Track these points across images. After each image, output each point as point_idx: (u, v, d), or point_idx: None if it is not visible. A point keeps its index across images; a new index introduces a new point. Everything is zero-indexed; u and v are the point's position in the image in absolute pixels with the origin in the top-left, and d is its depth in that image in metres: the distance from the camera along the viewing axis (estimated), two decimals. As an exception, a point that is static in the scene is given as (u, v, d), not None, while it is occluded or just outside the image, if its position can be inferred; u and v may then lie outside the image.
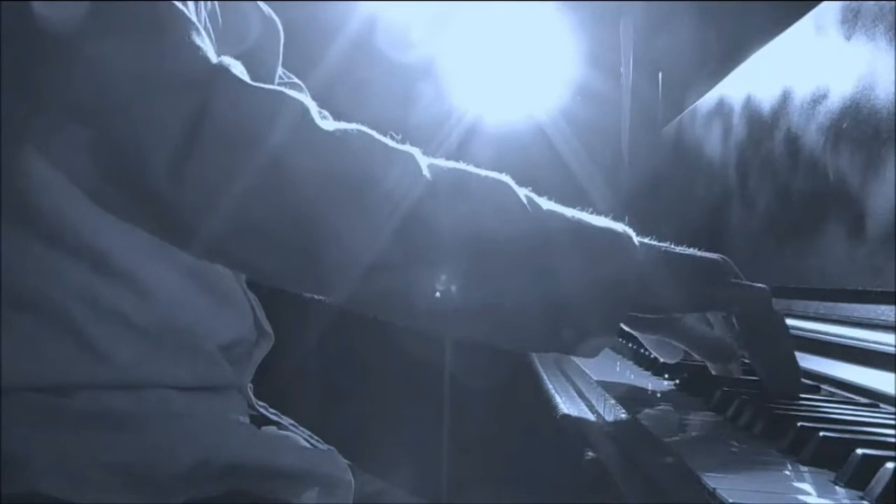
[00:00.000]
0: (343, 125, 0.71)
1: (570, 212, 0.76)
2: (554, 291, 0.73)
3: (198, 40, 0.70)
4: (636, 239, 0.77)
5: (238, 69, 0.70)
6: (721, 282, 0.79)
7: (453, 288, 0.71)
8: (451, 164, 0.75)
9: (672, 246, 0.79)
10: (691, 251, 0.80)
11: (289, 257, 0.70)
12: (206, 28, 0.82)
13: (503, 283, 0.73)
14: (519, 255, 0.73)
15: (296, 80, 1.08)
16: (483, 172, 0.75)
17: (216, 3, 0.85)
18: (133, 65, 0.67)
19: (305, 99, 0.71)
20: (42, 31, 0.68)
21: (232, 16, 0.88)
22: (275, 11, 0.99)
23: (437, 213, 0.71)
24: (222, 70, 0.69)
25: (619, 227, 0.77)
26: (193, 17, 0.72)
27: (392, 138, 0.73)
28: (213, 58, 0.70)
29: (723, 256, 0.81)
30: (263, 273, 0.75)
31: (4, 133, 0.73)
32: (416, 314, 0.74)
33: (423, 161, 0.73)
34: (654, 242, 0.79)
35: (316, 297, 0.75)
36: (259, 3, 0.96)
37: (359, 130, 0.72)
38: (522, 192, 0.75)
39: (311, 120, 0.70)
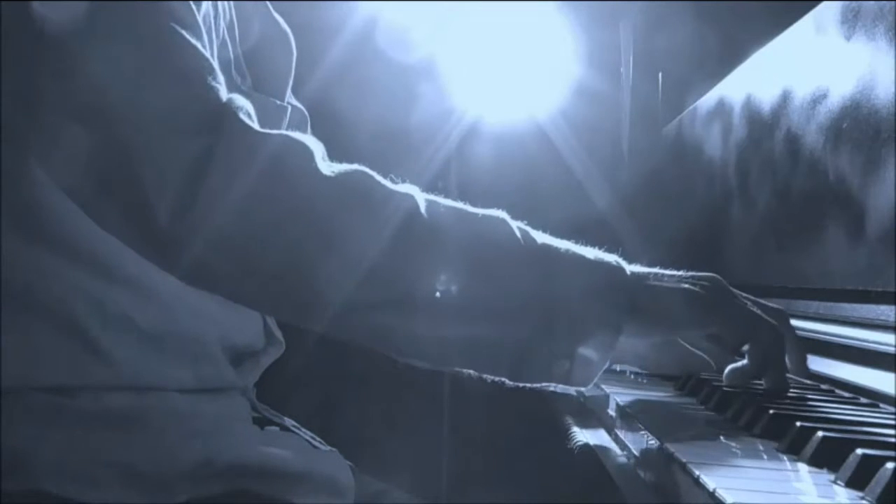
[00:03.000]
0: (344, 167, 0.73)
1: (563, 244, 0.77)
2: (547, 317, 0.74)
3: (210, 78, 0.71)
4: (628, 269, 0.78)
5: (245, 112, 0.71)
6: (711, 304, 0.79)
7: (447, 324, 0.73)
8: (450, 202, 0.76)
9: (662, 272, 0.80)
10: (680, 274, 0.80)
11: (284, 292, 0.72)
12: (220, 34, 0.82)
13: (497, 316, 0.73)
14: (512, 287, 0.74)
15: (298, 105, 1.08)
16: (480, 211, 0.76)
17: (231, 4, 0.85)
18: (141, 93, 0.68)
19: (310, 141, 0.72)
20: (42, 32, 0.68)
21: (236, 16, 0.89)
22: (277, 12, 0.99)
23: (433, 252, 0.72)
24: (230, 114, 0.70)
25: (612, 257, 0.78)
26: (206, 52, 0.72)
27: (392, 181, 0.75)
28: (224, 96, 0.71)
29: (714, 276, 0.81)
30: (254, 304, 0.77)
31: (12, 141, 0.74)
32: (411, 351, 0.76)
33: (422, 200, 0.74)
34: (647, 269, 0.80)
35: (306, 328, 0.76)
36: (272, 11, 0.96)
37: (359, 172, 0.73)
38: (517, 226, 0.76)
39: (314, 166, 0.71)
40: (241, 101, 0.71)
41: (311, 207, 0.70)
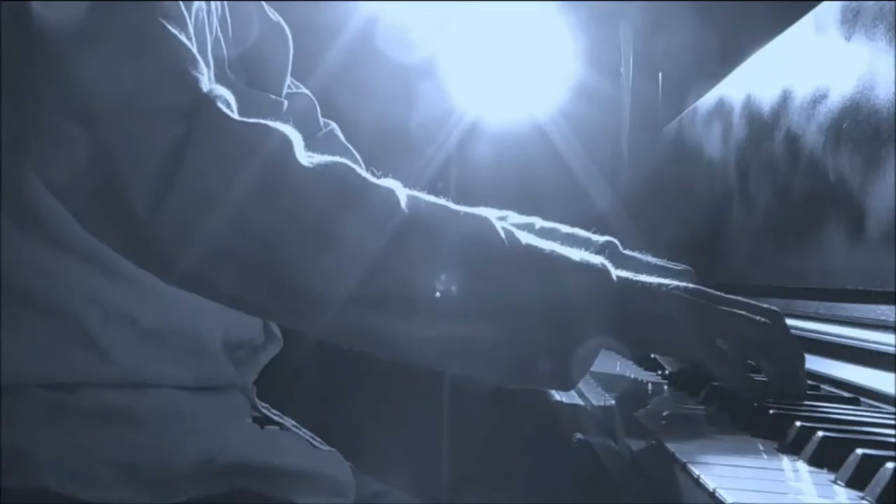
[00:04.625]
0: (325, 159, 0.71)
1: (548, 244, 0.75)
2: (532, 320, 0.72)
3: (191, 67, 0.70)
4: (614, 273, 0.75)
5: (224, 101, 0.69)
6: (703, 317, 0.75)
7: (434, 324, 0.71)
8: (432, 198, 0.74)
9: (648, 279, 0.77)
10: (666, 283, 0.77)
11: (265, 288, 0.70)
12: (213, 31, 0.82)
13: (482, 317, 0.71)
14: (498, 288, 0.72)
15: (304, 90, 1.08)
16: (463, 209, 0.74)
17: (224, 3, 0.85)
18: (123, 83, 0.68)
19: (289, 131, 0.71)
20: (40, 32, 0.68)
21: (233, 16, 0.89)
22: (276, 11, 0.99)
23: (412, 247, 0.70)
24: (208, 102, 0.68)
25: (598, 259, 0.76)
26: (190, 44, 0.72)
27: (373, 174, 0.73)
28: (205, 86, 0.70)
29: (699, 288, 0.78)
30: (241, 303, 0.74)
31: (11, 140, 0.74)
32: (394, 349, 0.73)
33: (403, 195, 0.72)
34: (632, 275, 0.77)
35: (296, 328, 0.75)
36: (267, 9, 0.97)
37: (339, 164, 0.71)
38: (501, 227, 0.74)
39: (292, 156, 0.69)
40: (220, 90, 0.70)
41: (285, 199, 0.68)
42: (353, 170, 0.71)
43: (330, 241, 0.68)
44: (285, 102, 0.94)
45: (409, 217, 0.71)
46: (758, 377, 0.80)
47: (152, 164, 0.66)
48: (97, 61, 0.68)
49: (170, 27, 0.71)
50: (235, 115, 0.69)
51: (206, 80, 0.70)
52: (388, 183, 0.72)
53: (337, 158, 0.72)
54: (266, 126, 0.70)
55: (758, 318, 0.76)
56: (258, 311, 0.80)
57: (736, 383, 0.77)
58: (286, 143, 0.70)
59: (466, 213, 0.74)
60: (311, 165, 0.69)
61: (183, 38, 0.71)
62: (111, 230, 0.71)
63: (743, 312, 0.76)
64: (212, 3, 0.82)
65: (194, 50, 0.72)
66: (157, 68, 0.69)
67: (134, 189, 0.66)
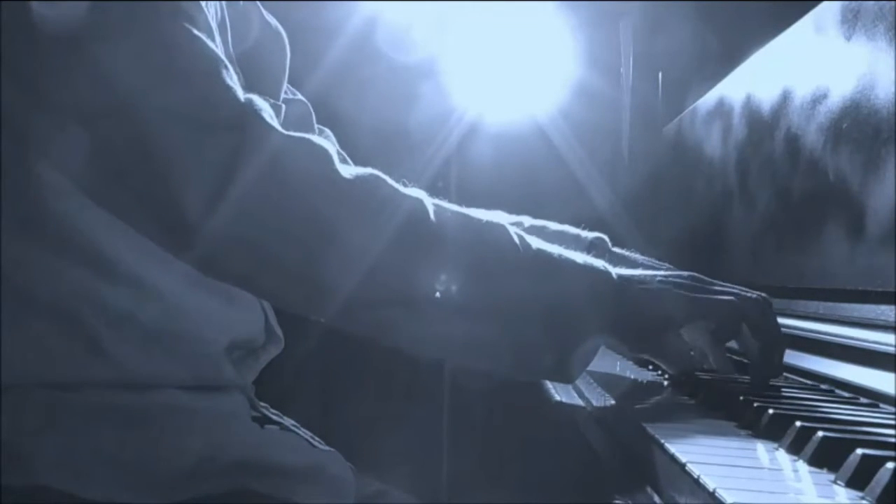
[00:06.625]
0: (359, 170, 0.75)
1: (556, 249, 0.81)
2: (541, 317, 0.77)
3: (227, 77, 0.72)
4: (614, 273, 0.81)
5: (268, 113, 0.73)
6: (694, 297, 0.83)
7: (449, 322, 0.76)
8: (455, 207, 0.79)
9: (645, 272, 0.84)
10: (662, 273, 0.85)
11: (295, 286, 0.74)
12: (216, 34, 0.83)
13: (496, 316, 0.77)
14: (511, 289, 0.77)
15: (300, 96, 1.09)
16: (484, 217, 0.80)
17: (223, 4, 0.86)
18: (153, 86, 0.70)
19: (328, 144, 0.75)
20: (43, 31, 0.68)
21: (231, 18, 0.89)
22: (276, 12, 0.99)
23: (438, 253, 0.76)
24: (253, 113, 0.72)
25: (599, 262, 0.82)
26: (219, 51, 0.74)
27: (404, 184, 0.77)
28: (241, 94, 0.72)
29: (692, 273, 0.86)
30: (263, 294, 0.81)
31: (17, 141, 0.74)
32: (414, 345, 0.79)
33: (430, 204, 0.77)
34: (631, 271, 0.83)
35: (323, 320, 0.79)
36: (264, 12, 0.97)
37: (373, 176, 0.76)
38: (515, 233, 0.79)
39: (334, 168, 0.74)
40: (260, 101, 0.73)
41: (328, 209, 0.73)
42: (384, 181, 0.76)
43: (366, 249, 0.73)
44: (283, 107, 0.95)
45: (436, 225, 0.76)
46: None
47: (205, 174, 0.69)
48: (120, 63, 0.69)
49: (200, 35, 0.72)
50: (280, 127, 0.73)
51: (241, 89, 0.72)
52: (416, 192, 0.78)
53: (370, 170, 0.76)
54: (310, 140, 0.74)
55: (750, 293, 0.85)
56: (277, 300, 0.85)
57: (721, 361, 0.88)
58: (328, 157, 0.74)
59: (487, 222, 0.79)
60: (349, 177, 0.74)
61: (212, 45, 0.73)
62: (145, 222, 0.74)
63: (735, 290, 0.85)
64: (210, 3, 0.82)
65: (223, 57, 0.73)
66: (196, 79, 0.72)
67: (186, 197, 0.69)
